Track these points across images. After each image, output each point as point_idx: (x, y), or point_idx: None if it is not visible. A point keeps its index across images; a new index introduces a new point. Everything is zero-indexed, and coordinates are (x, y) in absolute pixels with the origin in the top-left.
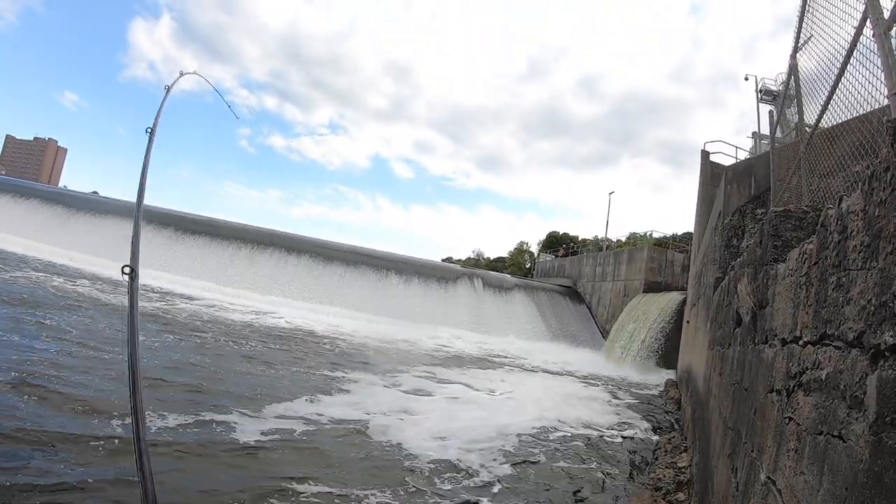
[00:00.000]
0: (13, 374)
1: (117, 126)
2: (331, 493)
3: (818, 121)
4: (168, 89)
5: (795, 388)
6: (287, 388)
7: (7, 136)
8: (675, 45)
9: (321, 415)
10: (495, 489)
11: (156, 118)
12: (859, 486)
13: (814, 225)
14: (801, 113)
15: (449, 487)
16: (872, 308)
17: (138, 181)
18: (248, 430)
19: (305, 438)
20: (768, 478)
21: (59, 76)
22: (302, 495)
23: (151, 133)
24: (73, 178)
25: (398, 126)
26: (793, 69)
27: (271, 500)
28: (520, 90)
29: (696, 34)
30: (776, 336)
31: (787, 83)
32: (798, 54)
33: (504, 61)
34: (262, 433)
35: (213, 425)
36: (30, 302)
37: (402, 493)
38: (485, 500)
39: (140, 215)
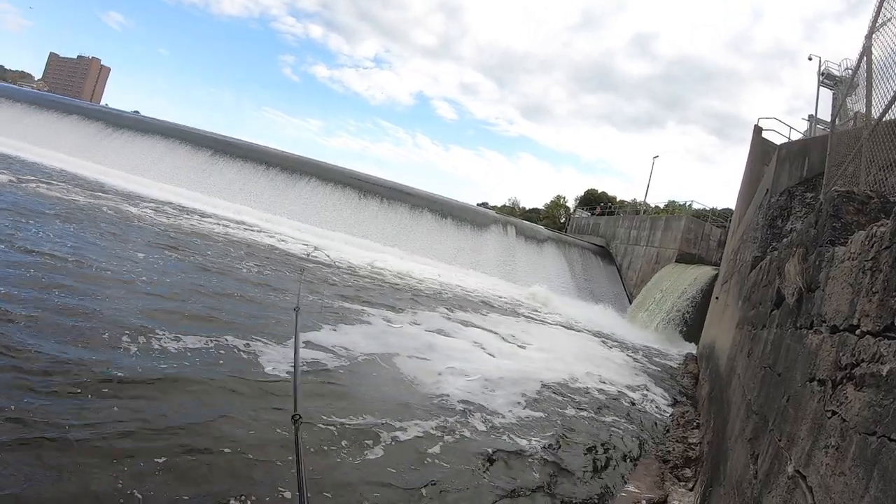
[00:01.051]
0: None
1: (160, 47)
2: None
3: (887, 109)
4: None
5: (844, 381)
6: (315, 318)
7: (51, 53)
8: (734, 13)
9: (347, 348)
10: (505, 437)
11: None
12: None
13: (878, 210)
14: (869, 98)
15: (456, 423)
16: None
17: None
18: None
19: (333, 370)
20: (797, 471)
21: None
22: (331, 426)
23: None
24: (115, 97)
25: (444, 65)
26: (866, 51)
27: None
28: (571, 40)
29: (758, 5)
30: (825, 322)
31: (857, 65)
32: (874, 35)
33: (557, 8)
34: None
35: (241, 354)
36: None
37: (426, 426)
38: (496, 444)
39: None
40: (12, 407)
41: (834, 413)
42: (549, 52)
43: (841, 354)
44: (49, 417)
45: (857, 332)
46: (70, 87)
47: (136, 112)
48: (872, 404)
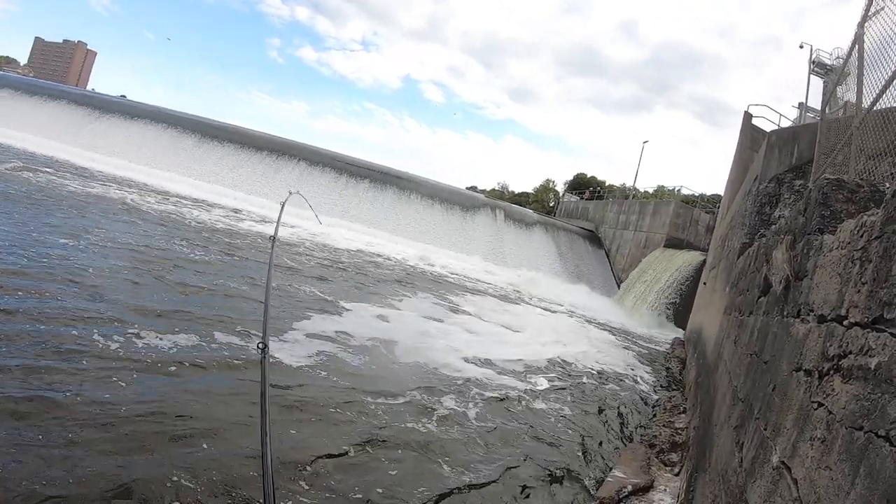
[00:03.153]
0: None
1: (145, 30)
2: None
3: (877, 98)
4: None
5: (831, 372)
6: (306, 306)
7: (36, 38)
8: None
9: (348, 333)
10: (490, 424)
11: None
12: None
13: (867, 199)
14: (860, 87)
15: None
16: None
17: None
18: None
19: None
20: (782, 462)
21: None
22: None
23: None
24: (101, 81)
25: (432, 47)
26: (857, 39)
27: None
28: (557, 25)
29: None
30: (812, 311)
31: (848, 54)
32: (866, 24)
33: None
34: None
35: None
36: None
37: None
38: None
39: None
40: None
41: (820, 405)
42: (536, 36)
43: (828, 345)
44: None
45: (845, 322)
46: (56, 72)
47: (123, 96)
48: (860, 398)
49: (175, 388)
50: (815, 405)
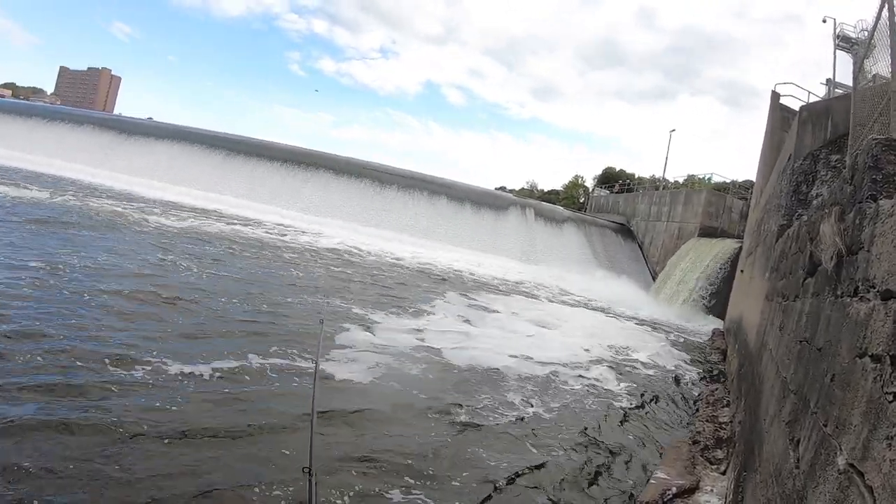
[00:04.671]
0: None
1: (168, 54)
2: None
3: None
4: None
5: None
6: (345, 317)
7: (61, 67)
8: None
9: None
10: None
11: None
12: None
13: None
14: (895, 48)
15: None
16: None
17: None
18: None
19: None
20: (851, 465)
21: (107, 8)
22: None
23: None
24: (128, 105)
25: (450, 50)
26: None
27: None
28: (574, 18)
29: None
30: (873, 287)
31: (877, 17)
32: None
33: None
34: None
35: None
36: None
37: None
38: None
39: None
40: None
41: None
42: (554, 31)
43: None
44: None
45: None
46: (83, 98)
47: (150, 118)
48: None
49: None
50: (891, 397)
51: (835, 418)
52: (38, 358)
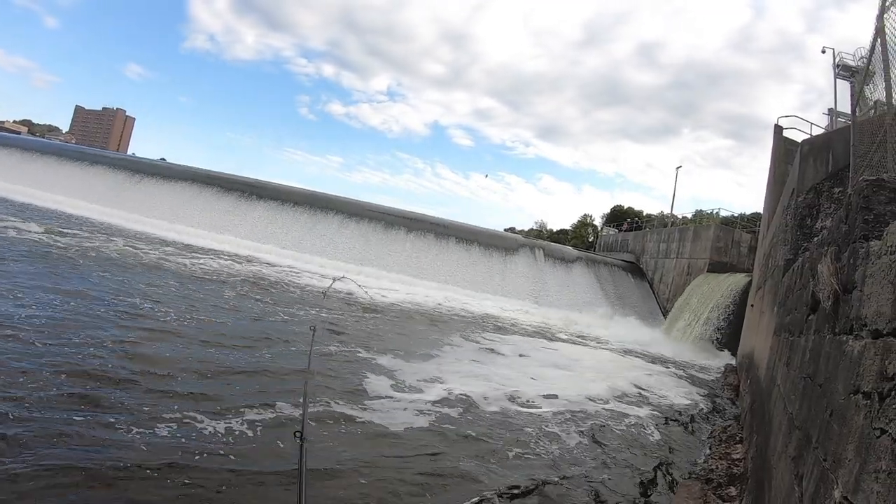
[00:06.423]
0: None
1: (180, 95)
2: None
3: None
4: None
5: (893, 394)
6: (353, 365)
7: (76, 106)
8: (735, 12)
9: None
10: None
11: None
12: None
13: None
14: (888, 80)
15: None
16: None
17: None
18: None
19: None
20: (845, 498)
21: (122, 49)
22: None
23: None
24: (141, 146)
25: (456, 93)
26: (879, 32)
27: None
28: (578, 58)
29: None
30: (865, 326)
31: (871, 49)
32: (886, 15)
33: (561, 27)
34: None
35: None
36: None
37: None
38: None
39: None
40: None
41: (883, 431)
42: (558, 71)
43: (887, 362)
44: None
45: None
46: (97, 138)
47: (163, 159)
48: None
49: None
50: (878, 432)
51: (832, 453)
52: None
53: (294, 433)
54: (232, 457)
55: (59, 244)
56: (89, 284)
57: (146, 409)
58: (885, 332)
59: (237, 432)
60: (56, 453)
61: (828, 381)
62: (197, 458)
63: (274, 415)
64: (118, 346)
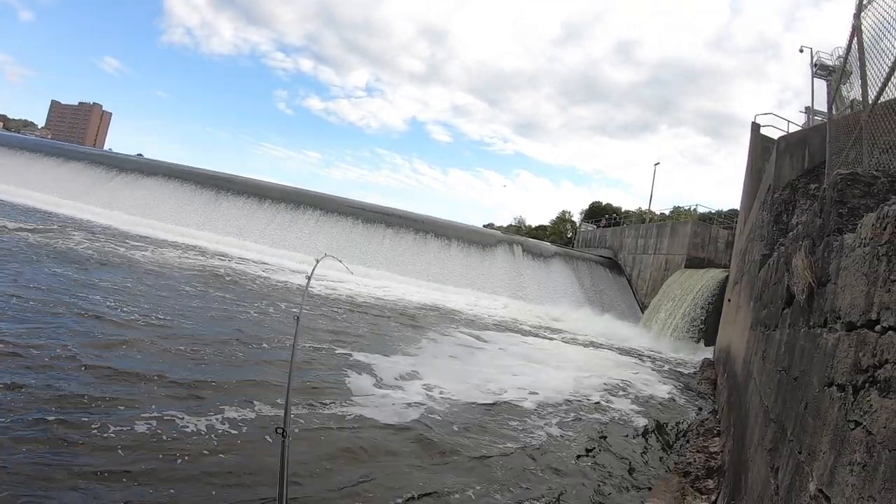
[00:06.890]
0: None
1: (157, 90)
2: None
3: (883, 86)
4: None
5: (867, 385)
6: (335, 363)
7: (52, 101)
8: (713, 11)
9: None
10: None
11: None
12: None
13: (886, 190)
14: (864, 79)
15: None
16: None
17: None
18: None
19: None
20: (820, 490)
21: (99, 43)
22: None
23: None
24: (118, 141)
25: (434, 89)
26: (855, 31)
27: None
28: (555, 54)
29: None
30: (839, 319)
31: (847, 47)
32: (862, 14)
33: (539, 24)
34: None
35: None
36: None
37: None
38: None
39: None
40: None
41: (857, 424)
42: (536, 67)
43: (861, 355)
44: None
45: (877, 328)
46: (73, 133)
47: (140, 155)
48: None
49: None
50: (852, 425)
51: (808, 445)
52: None
53: (276, 429)
54: (213, 454)
55: (31, 241)
56: (60, 281)
57: (122, 407)
58: (858, 325)
59: (219, 430)
60: (25, 457)
61: (802, 374)
62: (177, 456)
63: (254, 414)
64: (91, 343)
